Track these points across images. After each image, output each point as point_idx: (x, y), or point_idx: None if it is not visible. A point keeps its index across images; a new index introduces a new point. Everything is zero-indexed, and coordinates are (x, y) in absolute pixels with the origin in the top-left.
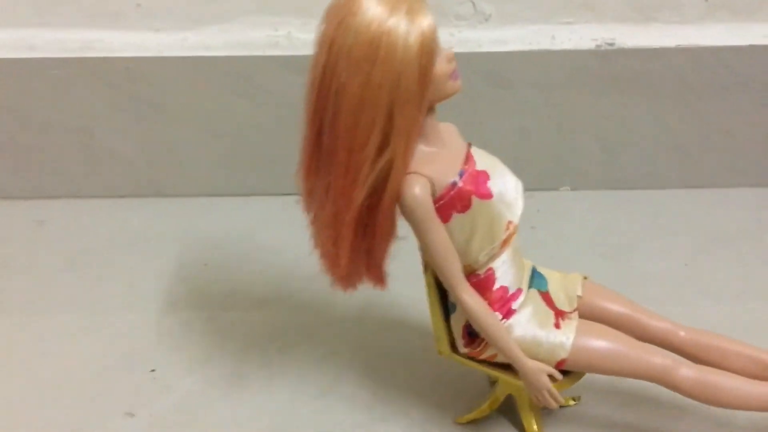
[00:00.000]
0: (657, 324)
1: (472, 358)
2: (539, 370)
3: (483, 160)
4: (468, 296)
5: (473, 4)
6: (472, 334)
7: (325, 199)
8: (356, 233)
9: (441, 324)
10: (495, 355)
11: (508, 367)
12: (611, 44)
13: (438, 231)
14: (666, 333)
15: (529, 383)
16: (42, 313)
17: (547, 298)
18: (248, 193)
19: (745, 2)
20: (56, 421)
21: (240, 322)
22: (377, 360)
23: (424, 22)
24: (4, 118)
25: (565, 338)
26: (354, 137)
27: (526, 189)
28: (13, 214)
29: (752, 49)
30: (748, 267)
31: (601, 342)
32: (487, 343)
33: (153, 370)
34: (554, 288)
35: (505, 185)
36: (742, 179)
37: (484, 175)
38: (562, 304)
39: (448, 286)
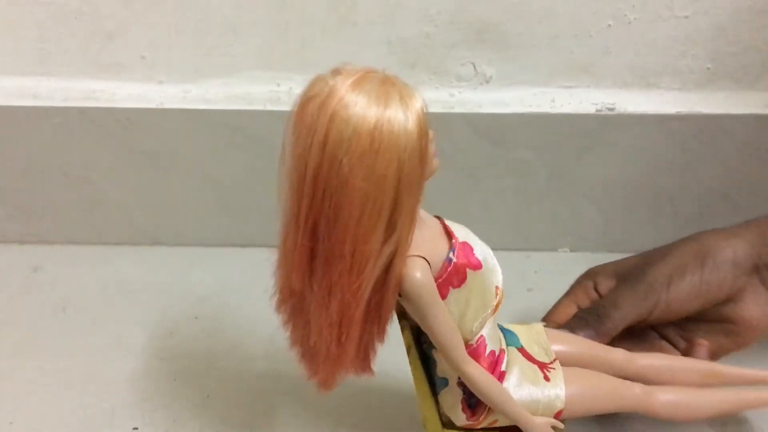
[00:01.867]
0: (615, 356)
1: (468, 430)
2: (546, 424)
3: (459, 231)
4: (473, 368)
5: (474, 65)
6: (472, 405)
7: (327, 300)
8: (363, 328)
9: (431, 403)
10: (495, 421)
11: (502, 429)
12: (611, 109)
13: (444, 311)
14: (625, 362)
15: None
16: (26, 361)
17: (524, 353)
18: (244, 244)
19: (747, 71)
20: None
21: (227, 379)
22: (367, 422)
23: (417, 104)
24: (4, 164)
25: (558, 390)
26: (358, 232)
27: (524, 249)
28: (9, 258)
29: (754, 118)
30: None
31: (587, 385)
32: (489, 410)
33: (135, 429)
34: (526, 341)
35: (484, 252)
36: None
37: (468, 246)
38: (540, 355)
39: (453, 363)
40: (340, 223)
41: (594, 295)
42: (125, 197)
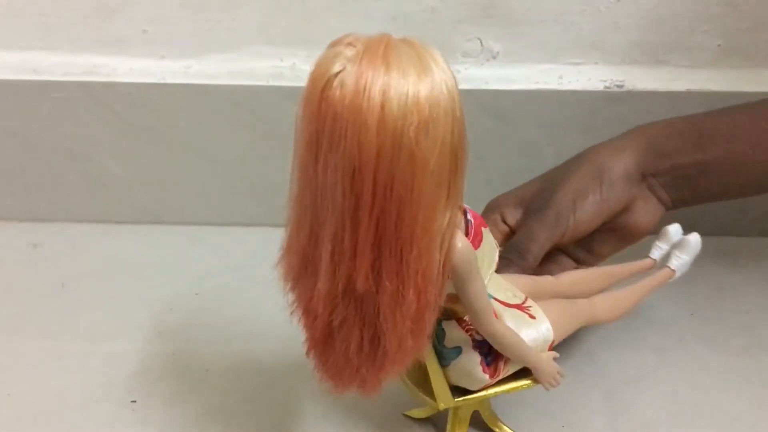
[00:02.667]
0: (545, 282)
1: (484, 389)
2: (549, 358)
3: None
4: (501, 325)
5: (480, 41)
6: (489, 363)
7: (402, 292)
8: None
9: (442, 379)
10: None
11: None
12: (620, 86)
13: (480, 275)
14: (554, 285)
15: (545, 374)
16: (25, 336)
17: (500, 301)
18: (247, 223)
19: (758, 48)
20: None
21: (227, 355)
22: (365, 400)
23: (444, 62)
24: (5, 139)
25: (546, 323)
26: (428, 209)
27: None
28: (8, 235)
29: (765, 96)
30: (755, 318)
31: (557, 312)
32: (506, 362)
33: (134, 401)
34: (493, 290)
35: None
36: (753, 228)
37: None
38: (512, 299)
39: (485, 325)
40: (409, 205)
41: (504, 227)
42: (127, 174)
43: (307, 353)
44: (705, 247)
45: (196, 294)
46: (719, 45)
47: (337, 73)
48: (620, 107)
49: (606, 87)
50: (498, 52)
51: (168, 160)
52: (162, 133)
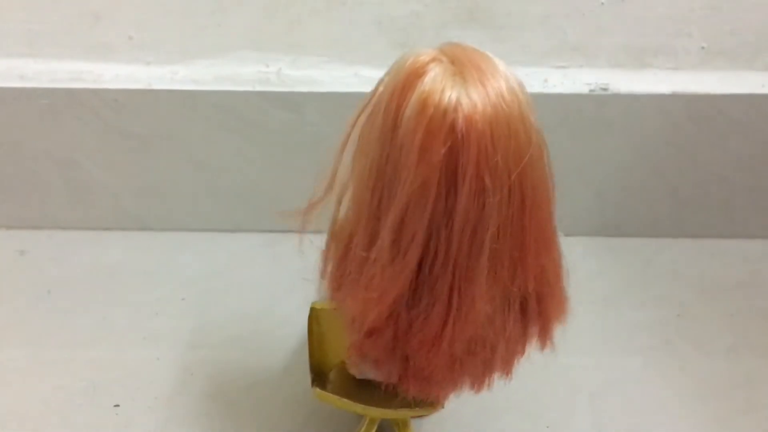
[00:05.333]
0: None
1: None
2: None
3: None
4: None
5: None
6: None
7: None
8: None
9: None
10: None
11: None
12: (605, 89)
13: None
14: None
15: None
16: (9, 341)
17: None
18: (232, 228)
19: (742, 50)
20: None
21: (211, 359)
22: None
23: None
24: None
25: None
26: (549, 209)
27: None
28: None
29: (750, 98)
30: (741, 319)
31: None
32: None
33: (117, 406)
34: None
35: None
36: (739, 230)
37: None
38: None
39: None
40: (548, 198)
41: None
42: (113, 181)
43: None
44: (691, 249)
45: (182, 299)
46: (703, 47)
47: (449, 100)
48: (605, 110)
49: (591, 90)
50: None
51: (154, 166)
52: (148, 138)
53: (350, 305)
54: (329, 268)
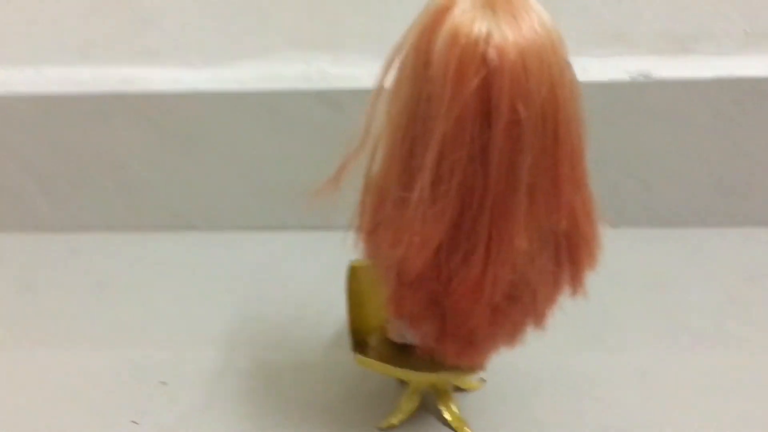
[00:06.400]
0: None
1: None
2: None
3: None
4: None
5: None
6: None
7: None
8: None
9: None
10: None
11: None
12: (646, 76)
13: None
14: None
15: None
16: (57, 333)
17: None
18: (278, 226)
19: None
20: (62, 425)
21: (255, 341)
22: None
23: None
24: (47, 152)
25: None
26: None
27: None
28: (49, 245)
29: None
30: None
31: None
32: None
33: (164, 383)
34: None
35: None
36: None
37: None
38: None
39: None
40: (579, 135)
41: None
42: (161, 182)
43: (461, 340)
44: (741, 237)
45: (228, 290)
46: (746, 31)
47: (479, 30)
48: (647, 97)
49: (632, 78)
50: None
51: (200, 167)
52: (194, 140)
53: (389, 251)
54: (365, 220)
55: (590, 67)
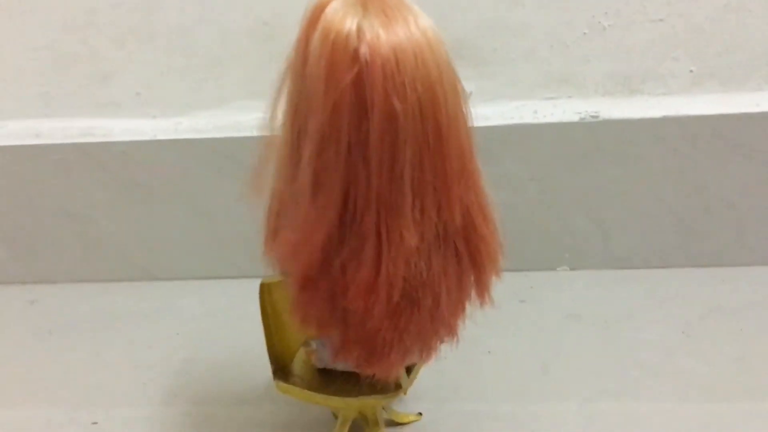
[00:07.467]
0: None
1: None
2: None
3: None
4: None
5: None
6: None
7: (486, 223)
8: None
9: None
10: None
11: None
12: (595, 116)
13: None
14: None
15: None
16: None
17: None
18: (235, 275)
19: (733, 71)
20: None
21: (196, 385)
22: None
23: None
24: (8, 203)
25: None
26: (469, 142)
27: (521, 269)
28: (8, 296)
29: (746, 117)
30: (748, 335)
31: None
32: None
33: (95, 423)
34: None
35: None
36: (750, 257)
37: None
38: None
39: None
40: (466, 132)
41: None
42: (120, 232)
43: (361, 343)
44: (700, 276)
45: (177, 334)
46: (692, 71)
47: (349, 27)
48: (597, 137)
49: (581, 118)
50: (471, 92)
51: (159, 216)
52: (154, 188)
53: (282, 253)
54: (268, 227)
55: (541, 110)
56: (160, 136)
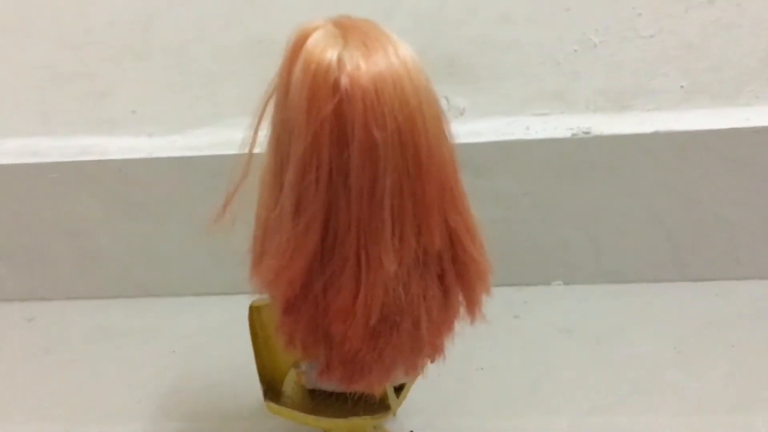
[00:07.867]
0: None
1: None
2: None
3: None
4: None
5: (447, 99)
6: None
7: (473, 246)
8: None
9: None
10: None
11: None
12: (587, 132)
13: None
14: None
15: None
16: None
17: None
18: (233, 291)
19: (723, 87)
20: None
21: (190, 403)
22: None
23: None
24: (6, 221)
25: None
26: (453, 168)
27: (514, 284)
28: (6, 313)
29: (736, 132)
30: (740, 349)
31: None
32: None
33: None
34: None
35: None
36: (742, 271)
37: None
38: None
39: None
40: (451, 160)
41: None
42: (118, 249)
43: (343, 364)
44: (693, 290)
45: (173, 351)
46: (682, 86)
47: (330, 58)
48: (589, 153)
49: (573, 134)
50: (464, 108)
51: (156, 232)
52: (150, 206)
53: (265, 278)
54: (254, 252)
55: (533, 126)
56: (157, 154)
